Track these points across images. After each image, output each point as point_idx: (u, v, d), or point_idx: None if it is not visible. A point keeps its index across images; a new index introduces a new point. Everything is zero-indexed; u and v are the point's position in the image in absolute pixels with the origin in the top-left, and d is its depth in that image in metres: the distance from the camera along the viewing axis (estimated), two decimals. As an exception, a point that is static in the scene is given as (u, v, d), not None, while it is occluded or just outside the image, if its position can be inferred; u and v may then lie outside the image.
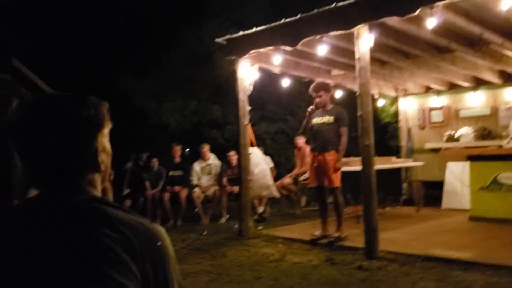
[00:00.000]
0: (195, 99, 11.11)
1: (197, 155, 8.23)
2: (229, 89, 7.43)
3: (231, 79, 6.46)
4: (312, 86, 5.56)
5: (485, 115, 7.96)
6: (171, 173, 8.11)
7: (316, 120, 5.44)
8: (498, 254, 4.43)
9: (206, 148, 8.10)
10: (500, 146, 6.40)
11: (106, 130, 1.13)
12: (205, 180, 7.97)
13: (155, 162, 8.16)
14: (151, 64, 11.16)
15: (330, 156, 5.28)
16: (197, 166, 8.04)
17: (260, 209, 7.38)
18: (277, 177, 8.30)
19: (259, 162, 6.88)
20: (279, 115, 10.50)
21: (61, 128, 1.04)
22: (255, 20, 7.09)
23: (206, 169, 8.05)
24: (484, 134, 7.76)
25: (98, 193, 1.11)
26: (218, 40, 6.22)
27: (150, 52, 11.14)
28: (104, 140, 1.12)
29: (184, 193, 7.74)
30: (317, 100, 5.42)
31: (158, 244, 1.05)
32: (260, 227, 6.48)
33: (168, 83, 11.16)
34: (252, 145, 6.59)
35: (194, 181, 7.91)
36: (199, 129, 10.90)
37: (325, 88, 5.53)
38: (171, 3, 11.59)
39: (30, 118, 1.06)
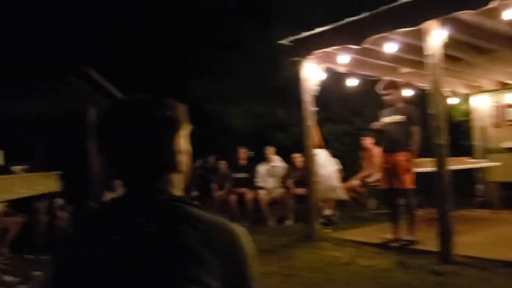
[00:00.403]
0: (260, 102, 11.19)
1: (262, 158, 8.29)
2: (294, 91, 7.41)
3: (295, 80, 6.43)
4: (380, 83, 5.43)
5: None
6: (237, 175, 8.22)
7: (386, 120, 5.29)
8: None
9: (270, 150, 8.16)
10: None
11: (184, 132, 1.16)
12: (270, 182, 8.00)
13: (222, 164, 8.32)
14: (218, 68, 11.39)
15: (401, 156, 5.12)
16: (262, 169, 8.09)
17: (328, 212, 7.29)
18: (344, 179, 8.16)
19: (325, 164, 6.81)
20: (344, 116, 10.33)
21: (141, 129, 1.09)
22: (318, 20, 7.03)
23: (271, 171, 8.08)
24: None
25: (178, 192, 1.15)
26: (282, 41, 6.22)
27: (216, 56, 11.36)
28: (182, 141, 1.15)
29: (250, 195, 7.82)
30: (386, 98, 5.29)
31: (237, 242, 1.06)
32: (328, 230, 6.40)
33: (234, 87, 11.33)
34: (318, 147, 6.52)
35: (260, 183, 7.97)
36: (264, 132, 10.97)
37: (394, 85, 5.38)
38: (238, 8, 11.77)
39: (114, 121, 1.11)
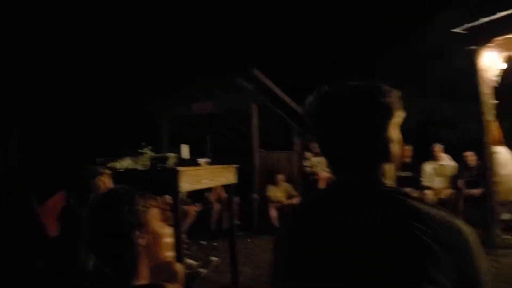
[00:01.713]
0: (422, 97, 10.58)
1: (428, 156, 7.79)
2: (464, 83, 6.81)
3: (467, 72, 5.89)
4: None
5: None
6: (400, 173, 7.87)
7: None
8: None
9: (438, 148, 7.65)
10: None
11: (397, 119, 1.11)
12: (438, 182, 7.48)
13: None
14: (376, 62, 11.07)
15: None
16: (428, 167, 7.62)
17: (507, 216, 6.54)
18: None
19: (507, 163, 6.11)
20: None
21: (360, 115, 1.05)
22: (490, 7, 6.35)
23: (439, 170, 7.56)
24: None
25: (390, 183, 1.09)
26: (456, 29, 5.74)
27: (374, 49, 11.05)
28: (394, 130, 1.09)
29: (415, 195, 7.41)
30: None
31: (467, 241, 0.98)
32: (509, 236, 5.74)
33: (394, 81, 10.89)
34: (498, 144, 5.89)
35: (425, 182, 7.51)
36: (427, 128, 10.33)
37: None
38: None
39: (329, 107, 1.09)
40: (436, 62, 9.95)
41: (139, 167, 3.42)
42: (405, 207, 0.98)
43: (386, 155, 1.08)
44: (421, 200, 1.03)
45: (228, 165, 3.90)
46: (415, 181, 7.62)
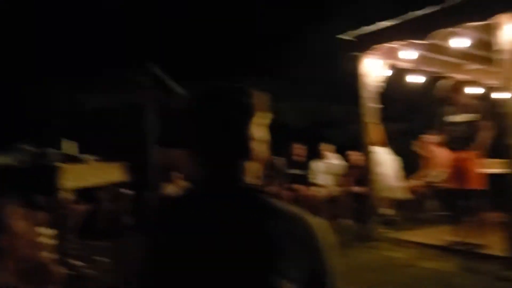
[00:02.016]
0: (314, 98, 11.09)
1: (317, 154, 8.20)
2: (351, 87, 7.27)
3: (353, 76, 6.31)
4: (445, 82, 5.20)
5: None
6: (292, 171, 8.19)
7: (454, 118, 5.09)
8: None
9: (326, 147, 8.06)
10: None
11: (261, 120, 1.15)
12: (327, 180, 7.91)
13: (278, 160, 8.31)
14: (271, 62, 11.37)
15: (470, 155, 4.91)
16: (318, 166, 8.01)
17: (388, 212, 7.11)
18: (405, 178, 7.94)
19: (386, 162, 6.63)
20: (404, 114, 10.04)
21: (220, 114, 1.09)
22: (376, 16, 6.85)
23: (327, 168, 7.99)
24: None
25: (253, 181, 1.14)
26: (341, 36, 6.11)
27: (270, 50, 11.34)
28: (256, 129, 1.14)
29: (305, 191, 7.76)
30: (454, 97, 5.07)
31: (319, 235, 1.05)
32: (385, 230, 6.24)
33: (288, 82, 11.27)
34: (380, 145, 6.37)
35: (315, 180, 7.90)
36: (319, 128, 10.85)
37: (462, 85, 5.16)
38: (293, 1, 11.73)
39: (195, 106, 1.13)
40: (327, 64, 10.43)
41: (17, 164, 3.20)
42: (259, 204, 1.03)
43: (246, 154, 1.12)
44: (277, 197, 1.09)
45: (115, 162, 3.78)
46: (305, 178, 7.99)
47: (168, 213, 1.14)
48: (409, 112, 10.11)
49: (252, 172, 1.15)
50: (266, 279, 0.95)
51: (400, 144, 9.79)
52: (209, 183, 1.10)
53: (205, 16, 12.65)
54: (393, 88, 8.60)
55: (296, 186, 7.89)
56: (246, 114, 1.12)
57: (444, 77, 7.16)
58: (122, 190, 4.04)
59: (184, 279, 1.00)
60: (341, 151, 8.49)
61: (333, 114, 10.68)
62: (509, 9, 4.30)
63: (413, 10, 5.09)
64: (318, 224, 1.08)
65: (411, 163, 9.44)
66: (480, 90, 7.64)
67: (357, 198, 7.16)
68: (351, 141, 9.80)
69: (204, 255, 0.99)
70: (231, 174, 1.09)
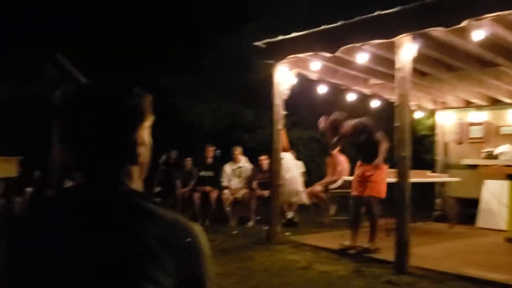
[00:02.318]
0: (230, 101, 11.15)
1: (229, 157, 8.26)
2: (265, 93, 7.40)
3: (267, 83, 6.44)
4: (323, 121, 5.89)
5: (528, 134, 7.69)
6: (202, 173, 8.17)
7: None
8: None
9: (237, 150, 8.14)
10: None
11: (147, 123, 1.12)
12: (235, 183, 7.99)
13: (188, 161, 8.23)
14: (189, 63, 11.27)
15: (371, 166, 5.23)
16: (228, 168, 8.07)
17: (290, 215, 7.33)
18: (307, 184, 8.24)
19: (291, 168, 6.84)
20: (312, 122, 10.40)
21: (104, 115, 1.04)
22: (293, 25, 7.05)
23: (236, 171, 8.07)
24: (526, 153, 7.48)
25: (136, 185, 1.11)
26: (256, 43, 6.22)
27: (188, 51, 11.24)
28: (144, 133, 1.11)
29: (214, 194, 7.79)
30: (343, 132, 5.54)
31: (193, 241, 1.04)
32: (287, 233, 6.43)
33: (204, 84, 11.24)
34: (284, 150, 6.55)
35: (224, 182, 7.94)
36: (232, 132, 10.93)
37: (338, 123, 5.65)
38: (212, 4, 11.69)
39: (75, 104, 1.06)
40: (245, 69, 10.54)
41: None
42: (137, 209, 1.01)
43: (133, 158, 1.09)
44: (156, 202, 1.07)
45: (8, 157, 3.53)
46: (215, 180, 8.01)
47: (30, 216, 1.07)
48: (316, 120, 10.47)
49: (136, 176, 1.12)
50: (134, 285, 0.93)
51: (308, 150, 10.17)
52: (83, 185, 1.05)
53: (126, 11, 12.25)
54: (302, 96, 8.92)
55: (206, 188, 7.88)
56: (136, 118, 1.08)
57: (349, 89, 7.58)
58: (14, 185, 3.78)
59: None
60: (251, 155, 8.62)
61: (246, 118, 10.80)
62: (409, 30, 4.62)
63: (328, 19, 5.29)
64: (194, 230, 1.07)
65: (317, 169, 9.84)
66: (379, 104, 8.14)
67: (263, 201, 7.32)
68: (260, 145, 10.01)
69: (63, 261, 0.95)
70: (108, 177, 1.05)
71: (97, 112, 1.04)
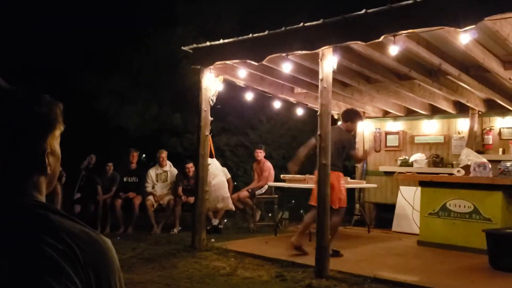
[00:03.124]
0: (157, 105, 10.95)
1: (154, 162, 8.10)
2: (193, 98, 7.35)
3: (195, 88, 6.41)
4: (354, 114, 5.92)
5: (439, 143, 8.26)
6: (126, 179, 7.94)
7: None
8: (443, 280, 4.56)
9: (163, 154, 7.98)
10: (451, 174, 6.63)
11: (58, 132, 1.09)
12: (160, 188, 7.85)
13: (110, 166, 7.96)
14: (115, 65, 10.93)
15: (335, 176, 5.40)
16: (152, 173, 7.90)
17: (215, 221, 7.33)
18: (234, 189, 8.29)
19: (217, 174, 6.84)
20: (240, 128, 10.50)
21: (10, 123, 1.00)
22: (225, 31, 7.08)
23: (161, 176, 7.93)
24: (437, 161, 8.03)
25: (42, 197, 1.07)
26: (184, 48, 6.18)
27: (117, 52, 10.89)
28: (54, 142, 1.07)
29: (137, 200, 7.58)
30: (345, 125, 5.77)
31: (103, 255, 1.02)
32: (212, 240, 6.42)
33: (130, 86, 10.95)
34: (211, 156, 6.54)
35: (149, 188, 7.77)
36: (159, 136, 10.73)
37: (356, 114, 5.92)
38: (141, 5, 11.44)
39: None
40: (173, 73, 10.41)
41: None
42: (40, 222, 0.97)
43: (40, 167, 1.05)
44: (65, 215, 1.03)
45: None
46: (139, 186, 7.82)
47: None
48: (246, 127, 10.60)
49: (44, 188, 1.07)
50: None
51: (235, 156, 10.24)
52: None
53: (52, 9, 11.65)
54: (230, 102, 8.98)
55: (129, 194, 7.66)
56: (45, 126, 1.04)
57: (276, 97, 7.73)
58: None
59: None
60: (178, 160, 8.52)
61: (174, 122, 10.66)
62: (331, 43, 4.80)
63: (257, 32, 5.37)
64: (103, 243, 1.04)
65: (244, 175, 9.93)
66: (304, 112, 8.39)
67: (189, 208, 7.25)
68: (187, 150, 9.93)
69: None
70: (13, 188, 1.00)
71: (2, 119, 1.00)
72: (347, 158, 6.19)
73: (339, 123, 6.09)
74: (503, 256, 4.84)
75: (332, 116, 8.92)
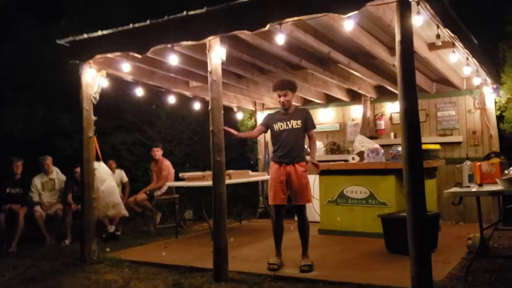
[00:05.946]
0: (45, 106, 10.02)
1: (40, 169, 7.34)
2: (75, 97, 6.73)
3: (76, 86, 5.83)
4: (277, 83, 4.87)
5: (335, 131, 8.40)
6: (9, 190, 7.10)
7: (281, 126, 4.78)
8: (343, 270, 4.52)
9: (48, 160, 7.27)
10: (346, 161, 6.72)
11: None
12: (47, 197, 7.15)
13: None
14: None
15: (302, 167, 4.67)
16: (37, 181, 7.17)
17: (112, 228, 6.82)
18: (134, 191, 7.80)
19: (105, 178, 6.31)
20: (136, 125, 9.93)
21: None
22: (115, 22, 6.51)
23: (48, 184, 7.23)
24: (334, 148, 8.16)
25: None
26: (60, 41, 5.57)
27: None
28: None
29: (23, 212, 6.81)
30: (283, 99, 4.78)
31: None
32: (107, 249, 5.94)
33: (14, 86, 9.91)
34: (98, 159, 6.00)
35: (35, 198, 7.04)
36: (48, 139, 9.83)
37: (292, 86, 4.82)
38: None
39: None
40: (58, 70, 9.57)
41: None
42: None
43: None
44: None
45: None
46: (24, 197, 7.03)
47: None
48: (143, 124, 10.04)
49: None
50: None
51: (133, 156, 9.67)
52: None
53: None
54: (124, 99, 8.43)
55: (13, 206, 6.84)
56: None
57: (170, 92, 7.34)
58: None
59: None
60: (69, 163, 7.81)
61: (63, 123, 9.81)
62: (216, 33, 4.52)
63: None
64: None
65: (143, 175, 9.42)
66: (201, 106, 8.11)
67: (80, 216, 6.65)
68: (78, 152, 9.16)
69: None
70: None
71: None
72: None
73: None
74: (398, 240, 4.93)
75: (232, 109, 8.84)
